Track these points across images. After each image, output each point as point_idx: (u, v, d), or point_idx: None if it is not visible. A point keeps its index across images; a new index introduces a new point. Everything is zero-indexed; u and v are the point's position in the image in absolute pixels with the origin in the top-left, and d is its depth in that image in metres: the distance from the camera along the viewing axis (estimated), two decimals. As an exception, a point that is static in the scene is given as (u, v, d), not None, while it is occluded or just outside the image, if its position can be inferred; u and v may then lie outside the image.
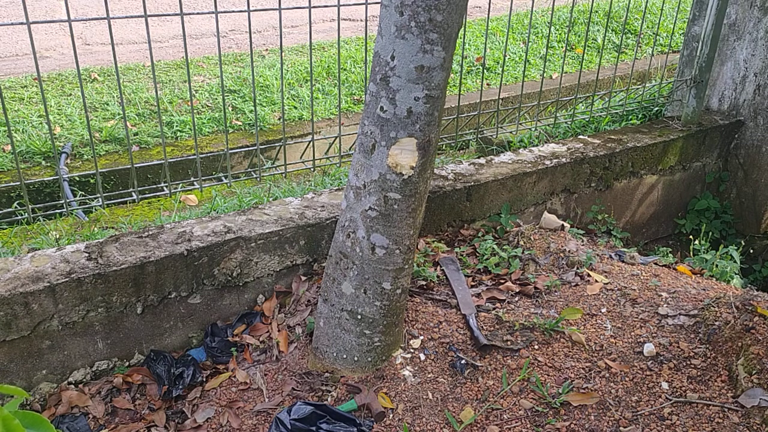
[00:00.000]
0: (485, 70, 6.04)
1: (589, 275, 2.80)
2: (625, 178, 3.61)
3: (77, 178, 3.83)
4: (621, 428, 2.14)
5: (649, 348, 2.38)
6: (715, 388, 2.22)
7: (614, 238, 3.49)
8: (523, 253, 2.91)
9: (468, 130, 3.57)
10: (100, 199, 2.61)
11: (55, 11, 6.79)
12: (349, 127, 4.82)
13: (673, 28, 4.71)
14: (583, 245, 3.04)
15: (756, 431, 2.05)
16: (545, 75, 5.99)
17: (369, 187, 2.11)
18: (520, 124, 3.66)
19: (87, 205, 3.03)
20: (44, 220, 2.88)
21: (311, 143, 2.95)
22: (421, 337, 2.46)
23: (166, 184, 2.70)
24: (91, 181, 3.90)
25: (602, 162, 3.44)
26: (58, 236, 2.66)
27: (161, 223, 2.65)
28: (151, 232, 2.47)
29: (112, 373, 2.41)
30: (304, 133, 4.65)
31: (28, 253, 2.35)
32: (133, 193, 2.66)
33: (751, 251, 3.97)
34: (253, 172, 2.96)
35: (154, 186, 2.83)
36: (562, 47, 6.47)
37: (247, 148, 3.39)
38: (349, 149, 3.04)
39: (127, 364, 2.44)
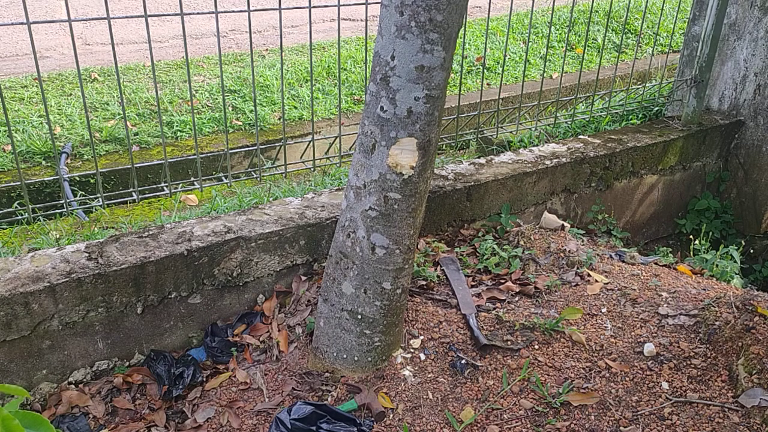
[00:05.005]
0: (485, 70, 6.04)
1: (589, 275, 2.80)
2: (625, 178, 3.61)
3: (77, 178, 3.83)
4: (621, 428, 2.14)
5: (649, 348, 2.38)
6: (715, 388, 2.22)
7: (614, 238, 3.49)
8: (523, 253, 2.91)
9: (468, 130, 3.57)
10: (100, 199, 2.61)
11: (55, 11, 6.79)
12: (349, 127, 4.82)
13: (674, 28, 4.71)
14: (583, 245, 3.04)
15: (756, 431, 2.05)
16: (545, 75, 5.99)
17: (369, 187, 2.11)
18: (521, 124, 3.66)
19: (87, 205, 3.03)
20: (44, 220, 2.88)
21: (311, 143, 2.95)
22: (421, 337, 2.46)
23: (167, 184, 2.70)
24: (92, 181, 3.90)
25: (602, 162, 3.44)
26: (58, 236, 2.66)
27: (161, 223, 2.65)
28: (151, 232, 2.47)
29: (113, 373, 2.41)
30: (304, 133, 4.65)
31: (28, 253, 2.35)
32: (134, 193, 2.66)
33: (752, 251, 3.97)
34: (253, 172, 2.96)
35: (155, 186, 2.83)
36: (562, 47, 6.47)
37: (247, 148, 3.39)
38: (349, 149, 3.04)
39: (127, 364, 2.44)
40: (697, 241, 3.60)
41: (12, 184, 3.06)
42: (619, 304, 2.62)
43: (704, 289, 2.71)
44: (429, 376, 2.35)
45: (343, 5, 2.83)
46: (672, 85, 4.03)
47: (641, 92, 4.08)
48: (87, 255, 2.32)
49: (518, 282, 2.77)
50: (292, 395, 2.31)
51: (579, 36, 6.78)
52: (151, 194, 2.80)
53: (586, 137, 3.61)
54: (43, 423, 1.03)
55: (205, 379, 2.42)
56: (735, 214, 4.07)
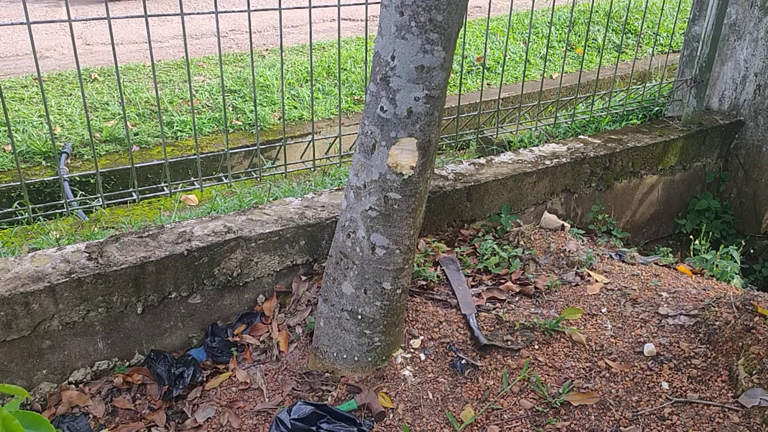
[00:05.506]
0: (485, 70, 6.04)
1: (589, 275, 2.80)
2: (625, 178, 3.61)
3: (77, 178, 3.83)
4: (621, 428, 2.14)
5: (649, 348, 2.38)
6: (715, 388, 2.22)
7: (614, 238, 3.49)
8: (523, 253, 2.91)
9: (468, 130, 3.57)
10: (100, 199, 2.61)
11: (55, 11, 6.79)
12: (349, 127, 4.83)
13: (674, 28, 4.71)
14: (583, 245, 3.04)
15: (756, 431, 2.05)
16: (545, 75, 5.99)
17: (369, 187, 2.11)
18: (521, 124, 3.66)
19: (87, 205, 3.03)
20: (44, 220, 2.88)
21: (311, 143, 2.95)
22: (422, 337, 2.46)
23: (167, 184, 2.70)
24: (92, 181, 3.90)
25: (602, 162, 3.44)
26: (58, 236, 2.66)
27: (161, 223, 2.65)
28: (151, 232, 2.47)
29: (113, 373, 2.41)
30: (304, 133, 4.65)
31: (28, 253, 2.35)
32: (134, 193, 2.66)
33: (752, 251, 3.97)
34: (253, 172, 2.96)
35: (155, 186, 2.83)
36: (562, 47, 6.47)
37: (247, 148, 3.39)
38: (349, 149, 3.04)
39: (127, 364, 2.44)
40: (697, 241, 3.60)
41: (12, 184, 3.06)
42: (619, 304, 2.62)
43: (704, 289, 2.71)
44: (429, 376, 2.35)
45: (343, 5, 2.83)
46: (672, 86, 4.03)
47: (641, 92, 4.08)
48: (87, 255, 2.32)
49: (518, 282, 2.77)
50: (292, 395, 2.31)
51: (579, 36, 6.78)
52: (151, 194, 2.80)
53: (586, 137, 3.61)
54: (43, 423, 1.03)
55: (205, 379, 2.42)
56: (735, 214, 4.07)
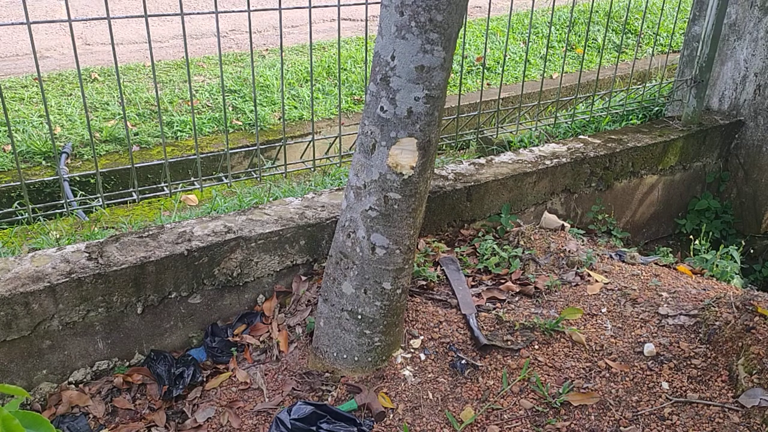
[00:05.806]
0: (485, 70, 6.04)
1: (589, 275, 2.80)
2: (625, 178, 3.61)
3: (77, 178, 3.83)
4: (621, 428, 2.14)
5: (649, 348, 2.38)
6: (715, 388, 2.22)
7: (614, 238, 3.49)
8: (523, 253, 2.91)
9: (468, 130, 3.57)
10: (100, 199, 2.61)
11: (56, 11, 6.79)
12: (350, 127, 4.82)
13: (674, 28, 4.71)
14: (583, 245, 3.04)
15: (756, 431, 2.05)
16: (545, 75, 5.99)
17: (369, 187, 2.11)
18: (521, 124, 3.66)
19: (87, 205, 3.03)
20: (44, 220, 2.88)
21: (311, 143, 2.95)
22: (422, 337, 2.46)
23: (167, 184, 2.70)
24: (92, 181, 3.90)
25: (602, 162, 3.44)
26: (58, 236, 2.66)
27: (161, 223, 2.65)
28: (151, 232, 2.47)
29: (113, 373, 2.41)
30: (304, 133, 4.65)
31: (28, 253, 2.35)
32: (134, 193, 2.66)
33: (752, 251, 3.97)
34: (253, 172, 2.96)
35: (155, 186, 2.83)
36: (562, 47, 6.47)
37: (247, 148, 3.39)
38: (350, 149, 3.04)
39: (127, 363, 2.44)
40: (697, 241, 3.60)
41: (12, 184, 3.06)
42: (619, 304, 2.62)
43: (704, 289, 2.71)
44: (429, 376, 2.35)
45: (343, 5, 2.83)
46: (672, 86, 4.03)
47: (641, 92, 4.08)
48: (87, 255, 2.32)
49: (518, 282, 2.77)
50: (292, 395, 2.31)
51: (579, 36, 6.78)
52: (151, 194, 2.80)
53: (586, 137, 3.61)
54: (43, 423, 1.03)
55: (205, 379, 2.42)
56: (735, 214, 4.07)
